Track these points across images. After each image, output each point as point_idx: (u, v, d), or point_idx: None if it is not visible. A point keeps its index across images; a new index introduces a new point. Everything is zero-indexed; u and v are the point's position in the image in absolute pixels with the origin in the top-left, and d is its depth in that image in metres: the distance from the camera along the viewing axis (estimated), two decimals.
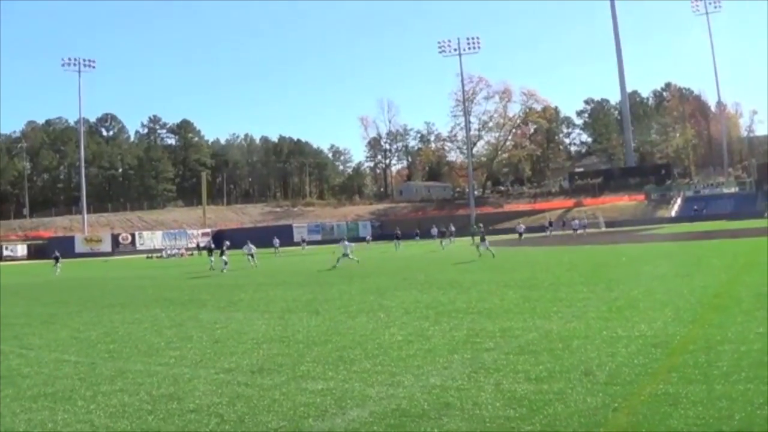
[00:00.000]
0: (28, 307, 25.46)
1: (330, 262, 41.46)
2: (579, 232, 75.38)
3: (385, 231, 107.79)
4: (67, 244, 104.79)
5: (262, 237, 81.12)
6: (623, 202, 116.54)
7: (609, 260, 33.04)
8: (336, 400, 8.68)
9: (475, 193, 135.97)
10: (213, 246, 43.09)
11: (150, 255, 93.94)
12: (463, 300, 18.84)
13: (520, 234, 65.06)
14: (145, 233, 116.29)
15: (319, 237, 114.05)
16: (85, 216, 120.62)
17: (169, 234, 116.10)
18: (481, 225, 43.49)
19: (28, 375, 11.44)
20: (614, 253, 38.40)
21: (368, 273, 33.62)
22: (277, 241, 77.08)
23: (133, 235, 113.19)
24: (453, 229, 76.40)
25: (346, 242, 42.94)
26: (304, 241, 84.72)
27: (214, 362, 11.80)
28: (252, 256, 44.75)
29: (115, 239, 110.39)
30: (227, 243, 47.01)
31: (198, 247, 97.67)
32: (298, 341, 13.51)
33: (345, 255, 40.31)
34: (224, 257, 41.93)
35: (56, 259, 53.89)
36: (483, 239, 41.87)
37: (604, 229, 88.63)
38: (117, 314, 20.71)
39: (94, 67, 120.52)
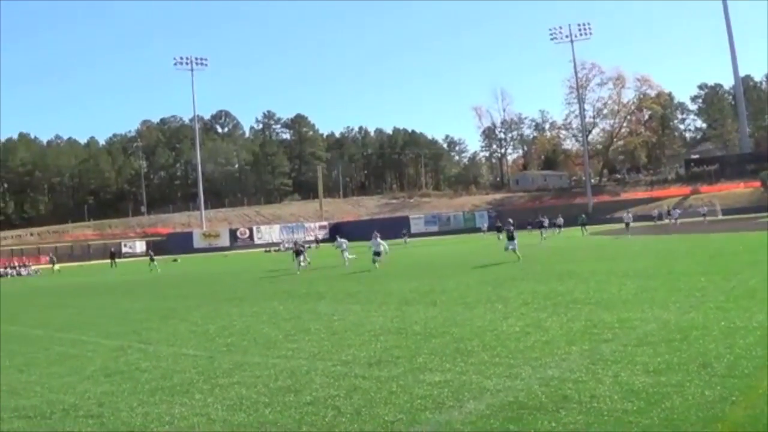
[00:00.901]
0: (147, 302, 26.42)
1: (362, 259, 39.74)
2: (680, 221, 72.30)
3: (502, 221, 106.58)
4: (186, 239, 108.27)
5: (379, 229, 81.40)
6: (739, 189, 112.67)
7: (726, 249, 31.81)
8: (453, 392, 8.64)
9: (592, 181, 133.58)
10: (301, 248, 40.84)
11: (268, 249, 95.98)
12: (580, 290, 18.59)
13: (627, 224, 62.13)
14: (262, 227, 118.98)
15: (436, 228, 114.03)
16: (203, 212, 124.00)
17: (286, 228, 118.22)
18: (511, 220, 36.98)
19: (147, 369, 11.81)
20: (731, 242, 37.00)
21: (484, 264, 33.42)
22: (377, 234, 77.26)
23: (250, 230, 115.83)
24: (561, 220, 75.01)
25: (379, 240, 38.52)
26: (405, 234, 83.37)
27: (332, 354, 11.92)
28: (345, 251, 41.63)
29: (233, 234, 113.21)
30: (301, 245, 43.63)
31: (316, 241, 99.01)
32: (415, 333, 13.53)
33: (377, 254, 36.89)
34: (300, 258, 39.38)
35: (151, 257, 55.19)
36: (511, 238, 35.36)
37: (720, 216, 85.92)
38: (235, 308, 21.28)
39: (206, 65, 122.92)
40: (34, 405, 9.70)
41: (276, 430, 7.54)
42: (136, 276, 48.85)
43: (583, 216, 70.74)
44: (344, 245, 42.40)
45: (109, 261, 77.32)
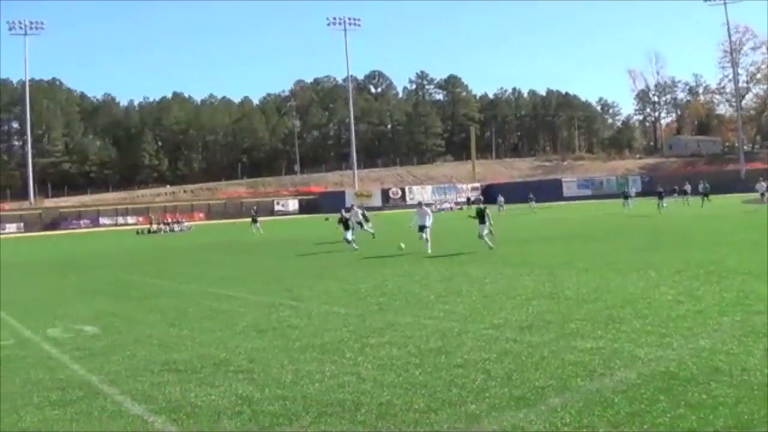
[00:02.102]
0: (299, 260, 27.07)
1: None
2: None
3: (655, 187, 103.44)
4: (338, 198, 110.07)
5: (532, 192, 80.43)
6: None
7: None
8: (604, 360, 8.56)
9: (745, 148, 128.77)
10: (350, 217, 33.43)
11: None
12: (733, 259, 18.08)
13: (763, 194, 57.18)
14: (414, 188, 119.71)
15: (589, 192, 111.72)
16: (356, 171, 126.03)
17: (438, 188, 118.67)
18: (482, 197, 28.78)
19: (298, 326, 12.15)
20: None
21: (632, 229, 32.94)
22: (501, 198, 76.28)
23: (402, 190, 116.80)
24: (707, 186, 71.45)
25: (426, 207, 29.71)
26: (531, 199, 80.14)
27: (483, 317, 11.95)
28: (367, 219, 37.16)
29: (385, 194, 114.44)
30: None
31: (468, 201, 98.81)
32: (567, 298, 13.45)
33: (424, 227, 28.03)
34: (349, 233, 31.50)
35: (253, 218, 53.48)
36: (483, 219, 26.76)
37: None
38: (387, 267, 21.66)
39: (359, 25, 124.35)
40: (185, 359, 10.08)
41: (426, 392, 7.61)
42: (289, 233, 49.99)
43: (706, 185, 66.72)
44: (359, 214, 37.83)
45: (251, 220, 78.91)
